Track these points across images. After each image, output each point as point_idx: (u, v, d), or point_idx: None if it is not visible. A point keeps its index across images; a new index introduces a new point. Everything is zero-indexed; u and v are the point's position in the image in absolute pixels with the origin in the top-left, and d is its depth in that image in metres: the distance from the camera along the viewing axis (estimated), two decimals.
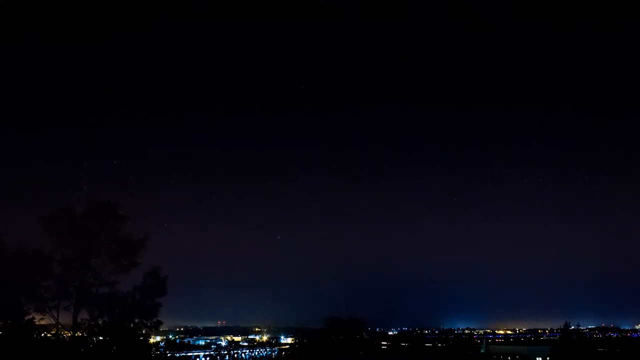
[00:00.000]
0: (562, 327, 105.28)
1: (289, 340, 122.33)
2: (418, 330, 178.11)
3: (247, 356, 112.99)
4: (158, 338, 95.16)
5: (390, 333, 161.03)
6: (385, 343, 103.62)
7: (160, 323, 39.91)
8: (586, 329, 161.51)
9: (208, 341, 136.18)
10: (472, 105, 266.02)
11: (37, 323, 37.81)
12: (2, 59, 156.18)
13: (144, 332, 40.15)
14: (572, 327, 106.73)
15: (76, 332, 38.34)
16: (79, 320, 38.36)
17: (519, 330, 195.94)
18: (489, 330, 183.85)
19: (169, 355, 76.80)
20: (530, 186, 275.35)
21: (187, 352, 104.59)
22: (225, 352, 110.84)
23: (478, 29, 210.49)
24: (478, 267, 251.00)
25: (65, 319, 38.61)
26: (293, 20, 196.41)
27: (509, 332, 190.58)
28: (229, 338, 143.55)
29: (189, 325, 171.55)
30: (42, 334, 39.04)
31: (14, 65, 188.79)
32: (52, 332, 39.65)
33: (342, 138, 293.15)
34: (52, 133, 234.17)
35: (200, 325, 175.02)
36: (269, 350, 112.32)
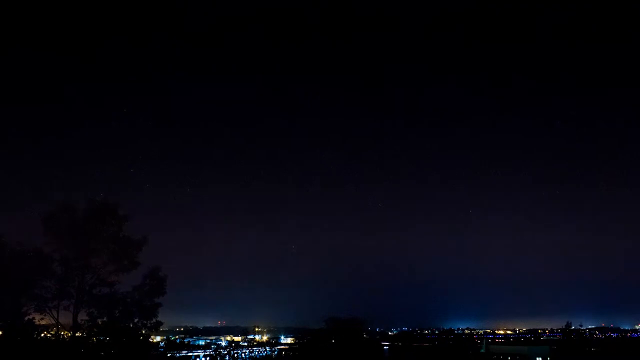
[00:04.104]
0: (562, 327, 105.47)
1: (289, 340, 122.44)
2: (418, 330, 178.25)
3: (247, 356, 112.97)
4: (158, 338, 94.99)
5: (390, 333, 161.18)
6: (385, 343, 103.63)
7: (160, 323, 39.92)
8: (586, 329, 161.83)
9: (208, 341, 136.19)
10: (472, 106, 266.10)
11: (37, 323, 37.81)
12: (2, 60, 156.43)
13: (143, 332, 40.13)
14: (573, 327, 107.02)
15: (76, 332, 38.33)
16: (79, 320, 38.36)
17: (519, 330, 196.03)
18: (489, 330, 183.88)
19: (169, 355, 76.68)
20: (531, 187, 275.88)
21: (187, 352, 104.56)
22: (225, 352, 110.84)
23: (478, 28, 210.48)
24: (478, 267, 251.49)
25: (65, 319, 38.65)
26: (292, 20, 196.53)
27: (509, 332, 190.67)
28: (229, 338, 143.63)
29: (189, 325, 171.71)
30: (42, 334, 39.03)
31: (15, 65, 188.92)
32: (52, 332, 39.63)
33: (342, 139, 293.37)
34: (53, 133, 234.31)
35: (200, 325, 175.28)
36: (269, 350, 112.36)
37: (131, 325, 38.88)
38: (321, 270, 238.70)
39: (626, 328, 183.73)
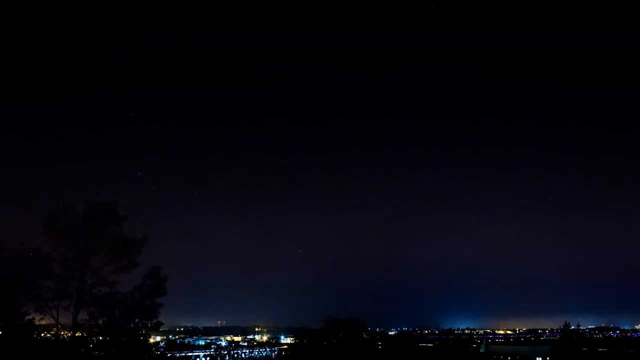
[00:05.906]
0: (562, 327, 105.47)
1: (289, 340, 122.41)
2: (418, 330, 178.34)
3: (247, 356, 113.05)
4: (158, 338, 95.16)
5: (390, 333, 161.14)
6: (385, 343, 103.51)
7: (160, 324, 39.81)
8: (586, 329, 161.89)
9: (208, 341, 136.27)
10: (472, 107, 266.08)
11: (37, 323, 37.75)
12: (3, 61, 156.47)
13: (143, 332, 40.10)
14: (572, 327, 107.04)
15: (76, 332, 38.30)
16: (79, 320, 38.32)
17: (519, 330, 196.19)
18: (489, 330, 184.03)
19: (169, 355, 76.87)
20: (531, 187, 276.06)
21: (187, 352, 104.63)
22: (225, 352, 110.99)
23: (480, 26, 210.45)
24: (478, 267, 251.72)
25: (65, 319, 38.55)
26: (293, 18, 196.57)
27: (509, 332, 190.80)
28: (228, 338, 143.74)
29: (189, 325, 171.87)
30: (42, 334, 39.01)
31: (16, 66, 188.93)
32: (52, 332, 39.61)
33: (344, 138, 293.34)
34: (53, 134, 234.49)
35: (200, 325, 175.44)
36: (269, 350, 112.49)
37: (131, 326, 38.83)
38: (321, 270, 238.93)
39: (626, 328, 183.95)
